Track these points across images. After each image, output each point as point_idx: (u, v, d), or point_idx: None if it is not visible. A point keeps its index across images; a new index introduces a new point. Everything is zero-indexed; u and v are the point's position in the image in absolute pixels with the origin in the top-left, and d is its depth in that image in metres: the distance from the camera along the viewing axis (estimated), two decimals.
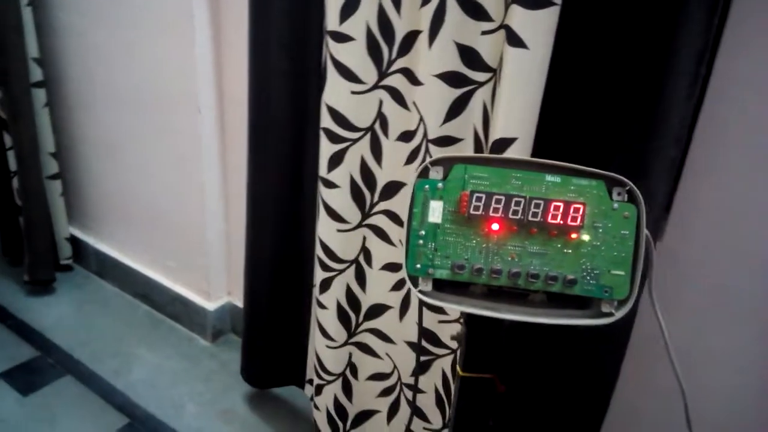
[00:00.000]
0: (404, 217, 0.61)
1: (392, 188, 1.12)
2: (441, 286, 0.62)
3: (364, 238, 1.18)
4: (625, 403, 1.03)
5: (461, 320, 0.71)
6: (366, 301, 1.23)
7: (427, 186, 0.60)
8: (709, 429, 0.87)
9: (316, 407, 1.36)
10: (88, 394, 1.51)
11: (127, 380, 1.57)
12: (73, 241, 1.97)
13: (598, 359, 0.97)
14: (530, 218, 0.59)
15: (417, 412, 1.23)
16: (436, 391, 1.18)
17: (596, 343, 0.95)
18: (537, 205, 0.58)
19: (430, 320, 1.12)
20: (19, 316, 1.77)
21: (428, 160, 0.60)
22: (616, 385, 0.99)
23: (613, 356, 0.96)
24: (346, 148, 1.10)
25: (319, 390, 1.33)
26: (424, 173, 0.60)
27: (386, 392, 1.29)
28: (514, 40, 0.83)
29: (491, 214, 0.59)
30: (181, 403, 1.51)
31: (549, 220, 0.59)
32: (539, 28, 0.82)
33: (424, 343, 1.14)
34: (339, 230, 1.16)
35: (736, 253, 0.92)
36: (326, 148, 1.11)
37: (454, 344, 1.11)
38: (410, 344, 1.20)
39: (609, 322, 0.60)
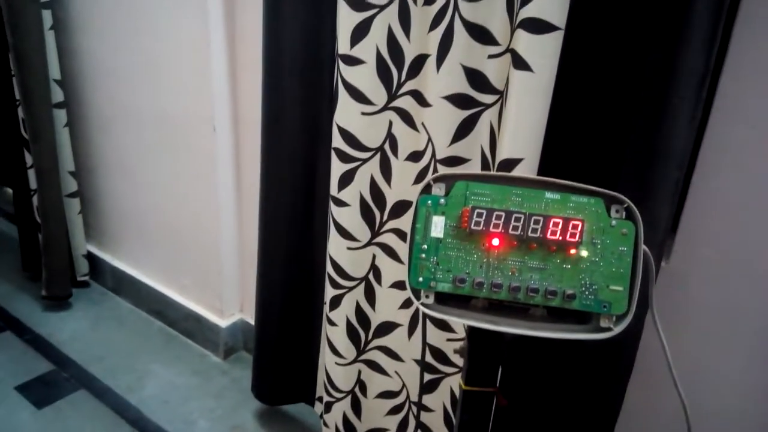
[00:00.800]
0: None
1: (401, 207, 1.14)
2: (443, 300, 0.64)
3: (374, 256, 1.20)
4: (630, 420, 1.03)
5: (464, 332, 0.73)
6: (375, 318, 1.24)
7: (429, 201, 0.62)
8: None
9: (326, 425, 1.37)
10: (101, 409, 1.53)
11: (140, 395, 1.59)
12: (90, 257, 2.01)
13: (603, 376, 0.97)
14: (530, 234, 0.60)
15: (424, 429, 1.24)
16: (445, 409, 1.18)
17: (601, 359, 0.95)
18: (537, 221, 0.60)
19: (438, 338, 1.13)
20: (36, 331, 1.80)
21: (431, 176, 0.62)
22: (623, 402, 0.99)
23: (619, 374, 0.97)
24: (357, 167, 1.13)
25: (328, 407, 1.34)
26: (426, 189, 0.62)
27: (395, 410, 1.30)
28: (520, 63, 0.85)
29: (492, 229, 0.61)
30: (192, 419, 1.53)
31: (548, 236, 0.60)
32: (544, 52, 0.84)
33: (432, 362, 1.15)
34: (349, 248, 1.18)
35: (742, 273, 0.93)
36: (337, 168, 1.13)
37: (462, 362, 1.12)
38: (419, 362, 1.21)
39: (607, 336, 0.61)
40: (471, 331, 0.69)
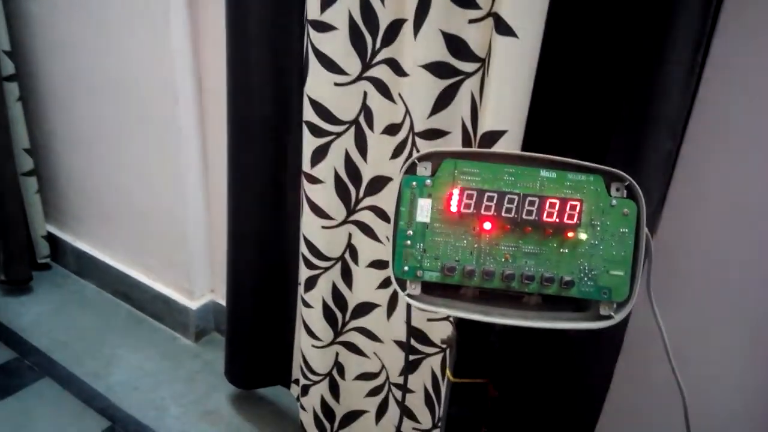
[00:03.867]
0: (391, 214, 0.57)
1: (378, 183, 1.08)
2: (430, 289, 0.59)
3: (350, 235, 1.14)
4: (622, 401, 1.01)
5: (451, 320, 0.68)
6: (352, 299, 1.19)
7: (414, 183, 0.56)
8: (707, 428, 0.84)
9: (303, 408, 1.33)
10: (67, 397, 1.47)
11: (108, 382, 1.53)
12: (51, 239, 1.92)
13: (592, 359, 0.94)
14: (524, 216, 0.55)
15: (406, 411, 1.20)
16: (426, 390, 1.15)
17: (590, 343, 0.92)
18: (531, 203, 0.55)
19: (419, 319, 1.08)
20: None
21: (416, 155, 0.57)
22: (611, 384, 0.96)
23: (607, 356, 0.93)
24: (330, 141, 1.06)
25: (305, 390, 1.30)
26: (411, 169, 0.57)
27: (374, 392, 1.26)
28: (503, 28, 0.79)
29: (483, 212, 0.55)
30: (163, 405, 1.47)
31: (544, 218, 0.55)
32: (529, 15, 0.79)
33: (413, 342, 1.11)
34: (324, 227, 1.12)
35: (732, 247, 0.90)
36: (309, 142, 1.07)
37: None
38: (398, 343, 1.17)
39: (608, 325, 0.57)
40: (460, 321, 0.65)
